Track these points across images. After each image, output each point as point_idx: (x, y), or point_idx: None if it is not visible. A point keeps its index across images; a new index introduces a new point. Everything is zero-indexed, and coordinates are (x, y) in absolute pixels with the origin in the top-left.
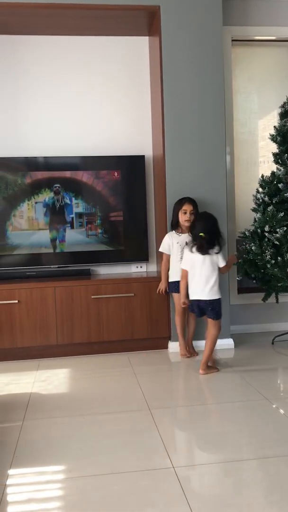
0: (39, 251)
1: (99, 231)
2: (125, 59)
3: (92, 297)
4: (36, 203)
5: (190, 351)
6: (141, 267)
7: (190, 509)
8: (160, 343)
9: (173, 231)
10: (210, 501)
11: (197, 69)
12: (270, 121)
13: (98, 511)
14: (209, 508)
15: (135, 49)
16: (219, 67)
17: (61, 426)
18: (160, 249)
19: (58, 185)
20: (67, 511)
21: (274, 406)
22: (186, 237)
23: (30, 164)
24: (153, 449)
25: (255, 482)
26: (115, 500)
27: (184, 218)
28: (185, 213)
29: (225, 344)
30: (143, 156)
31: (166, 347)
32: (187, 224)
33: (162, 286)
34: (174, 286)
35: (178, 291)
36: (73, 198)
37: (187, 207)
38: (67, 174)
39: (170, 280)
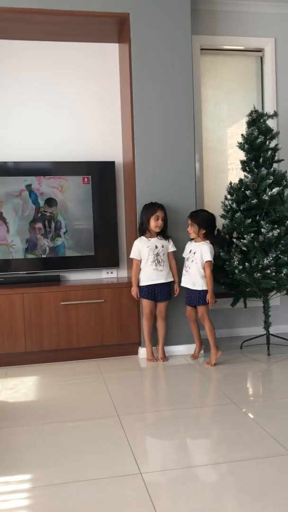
0: (8, 257)
1: (69, 236)
2: (96, 65)
3: (62, 303)
4: (4, 208)
5: (160, 356)
6: (111, 272)
7: None
8: (130, 349)
9: (142, 236)
10: (177, 506)
11: (167, 77)
12: (239, 129)
13: None
14: None
15: (105, 55)
16: (188, 75)
17: (28, 434)
18: (131, 255)
19: (27, 190)
20: None
21: (243, 410)
22: (155, 241)
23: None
24: (120, 455)
25: (223, 487)
26: (82, 508)
27: (156, 224)
28: (158, 219)
29: (194, 349)
30: (113, 162)
31: (136, 353)
32: (158, 230)
33: (133, 291)
34: (145, 291)
35: (147, 296)
36: (43, 204)
37: (160, 213)
38: (37, 179)
39: (141, 284)
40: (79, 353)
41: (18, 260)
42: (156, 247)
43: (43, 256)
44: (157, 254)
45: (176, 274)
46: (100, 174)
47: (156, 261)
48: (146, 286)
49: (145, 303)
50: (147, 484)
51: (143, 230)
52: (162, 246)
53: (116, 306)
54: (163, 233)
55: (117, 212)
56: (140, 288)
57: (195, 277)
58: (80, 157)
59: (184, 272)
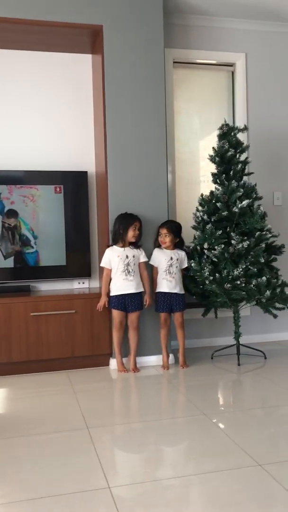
0: None
1: (40, 246)
2: (69, 75)
3: (32, 314)
4: None
5: (132, 367)
6: (83, 283)
7: None
8: (101, 360)
9: (114, 245)
10: None
11: (139, 89)
12: (211, 142)
13: None
14: None
15: (79, 65)
16: (161, 87)
17: None
18: (101, 264)
19: None
20: None
21: (213, 421)
22: (128, 250)
23: None
24: (89, 469)
25: (192, 499)
26: None
27: (134, 234)
28: (135, 229)
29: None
30: (86, 172)
31: (107, 364)
32: (134, 240)
33: (101, 301)
34: (115, 301)
35: (117, 306)
36: (15, 213)
37: (137, 224)
38: (8, 188)
39: (111, 294)
40: (49, 364)
41: None
42: (127, 256)
43: (13, 266)
44: (128, 264)
45: (147, 285)
46: (72, 184)
47: (126, 271)
48: (116, 296)
49: (115, 314)
50: (115, 499)
51: (117, 239)
52: (133, 256)
53: (87, 317)
54: (135, 243)
55: (89, 222)
56: (110, 298)
57: (180, 282)
58: (52, 166)
59: (169, 278)
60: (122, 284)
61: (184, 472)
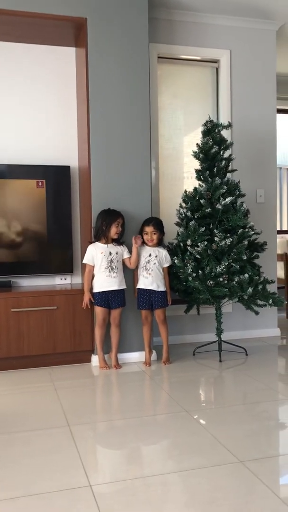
0: None
1: (22, 241)
2: (52, 68)
3: (12, 310)
4: None
5: (114, 364)
6: (65, 279)
7: None
8: (83, 357)
9: (97, 242)
10: None
11: (124, 83)
12: (194, 138)
13: None
14: None
15: (63, 58)
16: (145, 82)
17: None
18: (84, 260)
19: None
20: None
21: (194, 417)
22: (111, 247)
23: None
24: (70, 467)
25: (174, 497)
26: None
27: (116, 230)
28: (118, 225)
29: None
30: (69, 166)
31: (89, 360)
32: (117, 236)
33: (85, 298)
34: (98, 298)
35: (100, 303)
36: None
37: (120, 220)
38: None
39: (94, 291)
40: (30, 361)
41: None
42: (111, 253)
43: None
44: (111, 261)
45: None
46: (55, 179)
47: (109, 267)
48: (100, 293)
49: (98, 310)
50: (97, 497)
51: (99, 236)
52: (117, 253)
53: (69, 313)
54: (118, 240)
55: (72, 217)
56: (93, 295)
57: (158, 279)
58: (34, 160)
59: (145, 275)
60: (105, 280)
61: (166, 470)
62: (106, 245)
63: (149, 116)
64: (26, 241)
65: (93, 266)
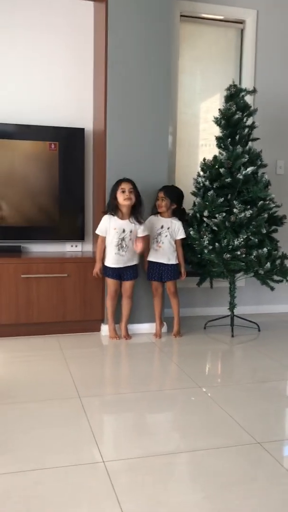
0: None
1: (32, 205)
2: (68, 23)
3: (22, 276)
4: None
5: (123, 334)
6: (76, 246)
7: (120, 508)
8: (92, 326)
9: (115, 215)
10: (142, 499)
11: (144, 41)
12: (213, 104)
13: None
14: (140, 506)
15: (80, 14)
16: (167, 42)
17: None
18: (97, 231)
19: None
20: None
21: (208, 394)
22: (126, 224)
23: None
24: (82, 441)
25: (189, 477)
26: (42, 500)
27: (123, 196)
28: (124, 191)
29: None
30: (83, 129)
31: (98, 330)
32: (127, 203)
33: (96, 268)
34: (109, 270)
35: (112, 275)
36: (5, 169)
37: (125, 185)
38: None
39: (106, 264)
40: (39, 328)
41: None
42: (124, 231)
43: (3, 225)
44: (123, 239)
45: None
46: (68, 141)
47: (119, 245)
48: (110, 268)
49: (110, 282)
50: (110, 474)
51: (111, 208)
52: (131, 231)
53: (80, 282)
54: (136, 216)
55: (85, 183)
56: (105, 267)
57: (169, 252)
58: (47, 121)
59: (155, 247)
60: (114, 257)
61: (180, 448)
62: (121, 221)
63: (169, 77)
64: (36, 206)
65: (105, 237)
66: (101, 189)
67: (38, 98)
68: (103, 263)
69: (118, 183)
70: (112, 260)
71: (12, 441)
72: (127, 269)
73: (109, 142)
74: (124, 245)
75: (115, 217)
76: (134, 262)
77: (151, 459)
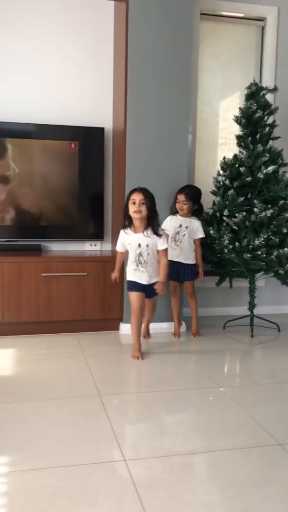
0: None
1: (52, 205)
2: (88, 22)
3: (42, 274)
4: None
5: (143, 333)
6: (95, 245)
7: (142, 506)
8: (111, 325)
9: (128, 229)
10: (164, 499)
11: (164, 41)
12: (233, 102)
13: (44, 510)
14: (161, 505)
15: (101, 13)
16: (187, 40)
17: (4, 413)
18: (117, 248)
19: (9, 153)
20: (9, 510)
21: (228, 394)
22: (140, 238)
23: None
24: (103, 439)
25: (211, 478)
26: (63, 498)
27: (132, 208)
28: (134, 203)
29: None
30: (103, 128)
31: (117, 328)
32: (136, 216)
33: (113, 275)
34: (132, 284)
35: (134, 289)
36: (25, 169)
37: (136, 196)
38: (18, 142)
39: (127, 278)
40: (59, 326)
41: None
42: (139, 245)
43: (24, 224)
44: (140, 255)
45: (162, 274)
46: (88, 140)
47: (137, 261)
48: (131, 281)
49: (134, 298)
50: (132, 473)
51: (127, 221)
52: (147, 245)
53: (99, 280)
54: (154, 227)
55: (104, 182)
56: (127, 281)
57: (187, 252)
58: (67, 121)
59: (173, 246)
60: (134, 274)
61: (201, 448)
62: (134, 235)
63: (189, 76)
64: (56, 205)
65: (124, 252)
66: (121, 189)
67: (58, 97)
68: (120, 271)
69: (130, 193)
70: (133, 275)
71: (34, 438)
72: (150, 288)
73: (129, 141)
74: (143, 261)
75: (128, 231)
76: (156, 279)
77: (172, 458)
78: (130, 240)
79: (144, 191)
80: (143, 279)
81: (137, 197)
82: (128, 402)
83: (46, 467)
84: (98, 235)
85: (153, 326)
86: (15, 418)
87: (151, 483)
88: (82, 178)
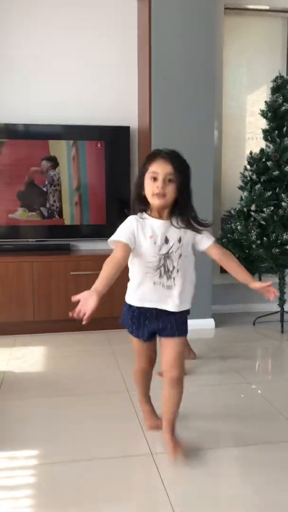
0: (17, 224)
1: (80, 204)
2: (112, 22)
3: (71, 273)
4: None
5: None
6: None
7: (169, 500)
8: None
9: (144, 213)
10: (189, 491)
11: (188, 38)
12: (260, 96)
13: (72, 501)
14: (189, 499)
15: (123, 12)
16: (211, 36)
17: (35, 408)
18: (113, 237)
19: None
20: (39, 501)
21: (258, 391)
22: (167, 227)
23: (5, 132)
24: (131, 434)
25: (238, 472)
26: (90, 490)
27: (152, 188)
28: (155, 179)
29: (206, 324)
30: (128, 127)
31: None
32: (157, 201)
33: (91, 300)
34: (131, 320)
35: (139, 331)
36: (53, 170)
37: (159, 168)
38: (46, 143)
39: (128, 301)
40: (88, 324)
41: (26, 227)
42: (167, 240)
43: (53, 224)
44: (167, 256)
45: (244, 272)
46: (113, 140)
47: (162, 268)
48: (137, 308)
49: (139, 347)
50: (159, 466)
51: (140, 203)
52: (179, 240)
53: (127, 279)
54: (187, 216)
55: (131, 181)
56: (126, 312)
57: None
58: (92, 120)
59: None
60: (149, 294)
61: (229, 443)
62: (159, 222)
63: (213, 71)
64: (84, 205)
65: (128, 249)
66: None
67: (83, 97)
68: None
69: (149, 160)
70: (146, 296)
71: (64, 432)
72: (168, 318)
73: (154, 139)
74: (172, 268)
75: (147, 217)
76: (187, 306)
77: (200, 452)
78: (151, 229)
79: (173, 159)
80: (169, 303)
81: (161, 169)
82: (156, 396)
83: (73, 460)
84: None
85: None
86: (45, 412)
87: (178, 476)
88: (109, 177)
